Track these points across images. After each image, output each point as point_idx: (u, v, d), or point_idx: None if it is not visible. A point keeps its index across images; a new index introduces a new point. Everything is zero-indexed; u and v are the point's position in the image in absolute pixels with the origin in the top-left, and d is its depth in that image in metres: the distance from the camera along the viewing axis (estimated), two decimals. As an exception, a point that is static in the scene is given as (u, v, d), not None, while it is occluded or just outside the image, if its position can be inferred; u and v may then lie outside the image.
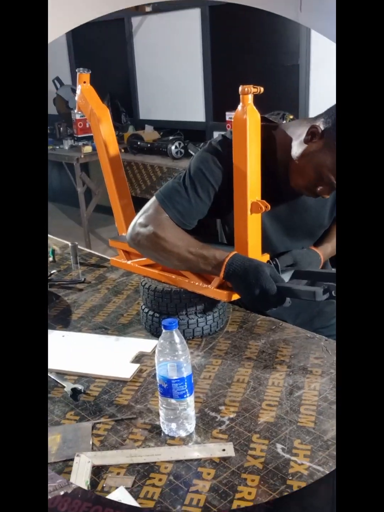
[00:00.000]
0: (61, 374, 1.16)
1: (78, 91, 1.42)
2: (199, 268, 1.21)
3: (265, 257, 1.28)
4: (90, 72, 1.42)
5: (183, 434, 0.95)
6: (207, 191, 1.27)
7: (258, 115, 1.18)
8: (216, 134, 4.20)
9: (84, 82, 1.39)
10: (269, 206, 1.19)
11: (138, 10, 4.47)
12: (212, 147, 1.30)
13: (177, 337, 0.93)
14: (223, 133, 1.33)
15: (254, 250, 1.23)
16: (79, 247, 1.84)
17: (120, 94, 5.03)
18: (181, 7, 4.26)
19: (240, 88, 1.14)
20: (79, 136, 4.53)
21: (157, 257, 1.27)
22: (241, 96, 1.15)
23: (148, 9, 4.42)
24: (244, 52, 4.01)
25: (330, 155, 1.16)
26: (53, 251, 1.91)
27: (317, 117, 1.23)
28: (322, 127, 1.19)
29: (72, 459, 0.89)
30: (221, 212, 1.34)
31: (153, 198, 1.30)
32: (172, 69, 4.53)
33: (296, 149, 1.24)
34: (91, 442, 0.95)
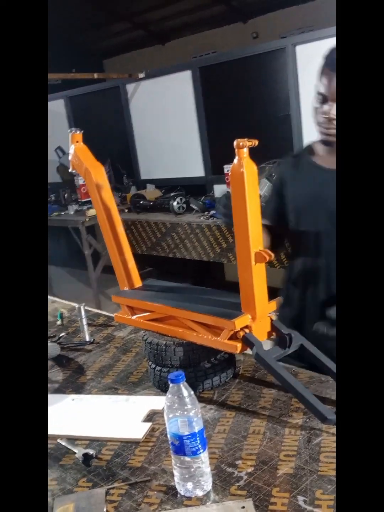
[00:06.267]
0: (72, 439, 1.13)
1: (71, 150, 1.44)
2: None
3: (272, 305, 1.25)
4: (82, 132, 1.45)
5: (199, 493, 0.91)
6: None
7: (254, 167, 1.18)
8: (217, 187, 4.27)
9: (77, 142, 1.41)
10: (272, 255, 1.18)
11: (132, 77, 4.67)
12: None
13: (185, 391, 0.90)
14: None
15: (260, 300, 1.21)
16: (86, 308, 1.84)
17: (120, 158, 5.17)
18: (172, 71, 4.45)
19: (235, 143, 1.15)
20: (83, 200, 4.64)
21: None
22: (236, 150, 1.16)
23: (141, 75, 4.61)
24: (236, 107, 4.13)
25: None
26: (61, 314, 1.91)
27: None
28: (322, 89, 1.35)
29: (86, 529, 0.85)
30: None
31: None
32: (169, 129, 4.67)
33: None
34: (105, 509, 0.91)
